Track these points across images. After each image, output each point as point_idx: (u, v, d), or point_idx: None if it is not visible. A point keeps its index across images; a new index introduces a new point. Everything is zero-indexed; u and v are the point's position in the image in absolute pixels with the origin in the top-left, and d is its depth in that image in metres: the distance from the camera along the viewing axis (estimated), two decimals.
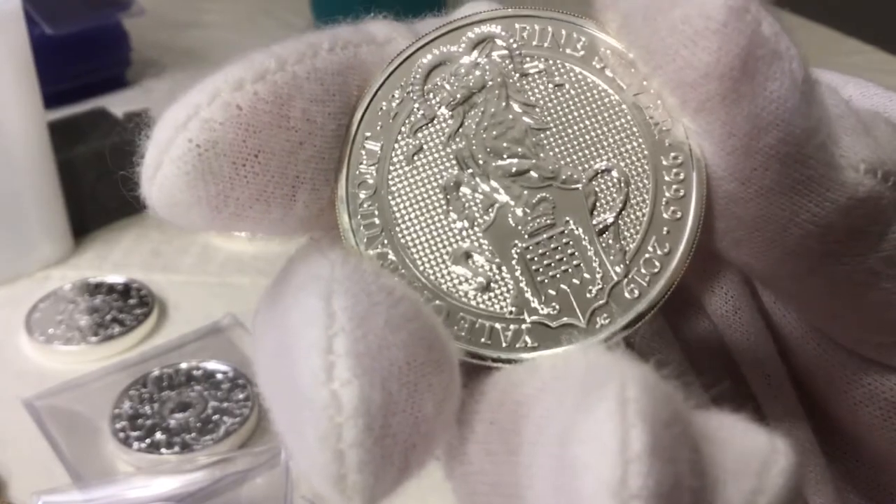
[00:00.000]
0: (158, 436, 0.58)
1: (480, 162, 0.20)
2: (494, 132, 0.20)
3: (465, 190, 0.20)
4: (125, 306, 0.69)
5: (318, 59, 0.19)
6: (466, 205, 0.20)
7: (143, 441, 0.58)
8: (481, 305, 0.20)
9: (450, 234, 0.20)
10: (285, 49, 0.19)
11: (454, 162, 0.20)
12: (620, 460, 0.15)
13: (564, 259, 0.20)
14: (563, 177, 0.20)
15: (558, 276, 0.20)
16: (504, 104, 0.20)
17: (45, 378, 0.63)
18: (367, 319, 0.17)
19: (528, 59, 0.21)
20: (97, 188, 0.77)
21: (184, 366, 0.63)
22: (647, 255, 0.20)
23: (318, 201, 0.19)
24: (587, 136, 0.20)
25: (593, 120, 0.20)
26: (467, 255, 0.20)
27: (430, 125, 0.20)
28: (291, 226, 0.20)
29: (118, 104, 0.90)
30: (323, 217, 0.20)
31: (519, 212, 0.20)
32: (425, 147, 0.20)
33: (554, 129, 0.20)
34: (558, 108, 0.21)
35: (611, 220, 0.20)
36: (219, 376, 0.62)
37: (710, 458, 0.16)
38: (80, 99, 0.92)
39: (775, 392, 0.24)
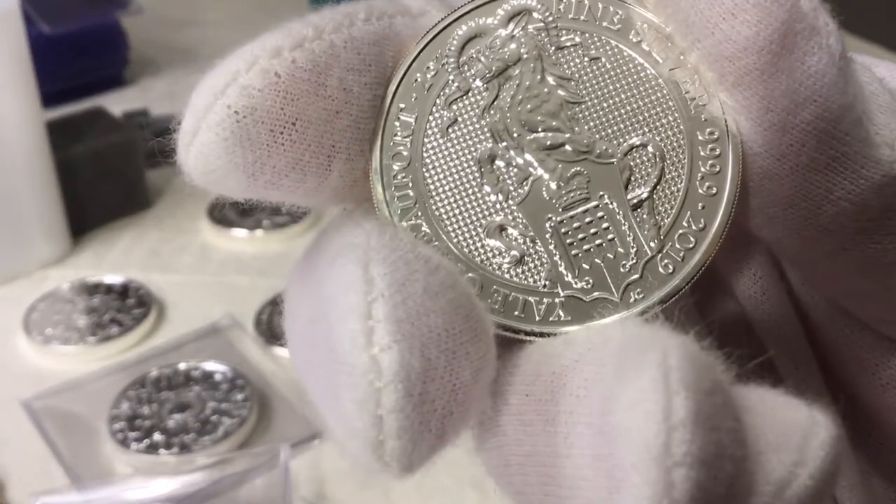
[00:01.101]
0: (157, 437, 0.58)
1: (515, 135, 0.20)
2: (529, 105, 0.20)
3: (499, 163, 0.20)
4: (123, 306, 0.69)
5: (355, 29, 0.19)
6: (501, 178, 0.20)
7: (141, 442, 0.57)
8: (515, 279, 0.19)
9: (484, 206, 0.20)
10: (322, 18, 0.19)
11: (489, 135, 0.20)
12: (664, 427, 0.15)
13: (598, 233, 0.20)
14: (598, 151, 0.20)
15: (592, 250, 0.20)
16: (539, 77, 0.20)
17: (43, 378, 0.63)
18: (405, 286, 0.17)
19: (563, 31, 0.21)
20: (95, 187, 0.77)
21: (182, 366, 0.63)
22: (681, 231, 0.20)
23: (352, 172, 0.19)
24: (623, 111, 0.20)
25: (629, 94, 0.20)
26: (501, 229, 0.20)
27: (464, 98, 0.20)
28: (325, 196, 0.20)
29: (116, 103, 0.90)
30: (356, 188, 0.20)
31: (553, 185, 0.20)
32: (460, 119, 0.20)
33: (589, 103, 0.20)
34: (594, 81, 0.20)
35: (645, 194, 0.20)
36: (217, 377, 0.62)
37: (751, 429, 0.16)
38: (77, 98, 0.92)
39: (802, 374, 0.24)
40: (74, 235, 0.76)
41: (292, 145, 0.18)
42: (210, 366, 0.63)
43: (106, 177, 0.77)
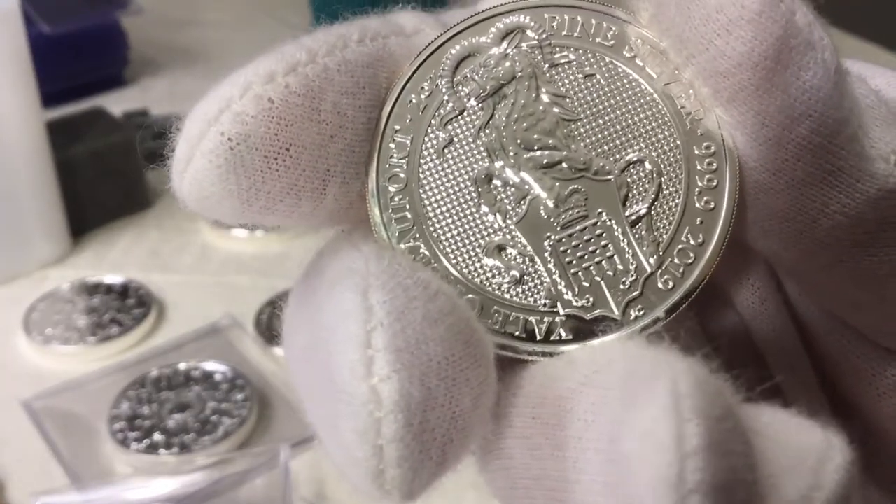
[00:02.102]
0: (157, 436, 0.58)
1: (511, 154, 0.20)
2: (525, 124, 0.20)
3: (496, 182, 0.20)
4: (123, 306, 0.69)
5: (349, 51, 0.19)
6: (498, 197, 0.20)
7: (141, 442, 0.57)
8: (515, 298, 0.19)
9: (482, 227, 0.20)
10: (315, 41, 0.19)
11: (485, 154, 0.20)
12: (677, 456, 0.15)
13: (597, 251, 0.20)
14: (595, 168, 0.20)
15: (592, 268, 0.20)
16: (534, 95, 0.20)
17: (43, 378, 0.63)
18: (405, 314, 0.17)
19: (557, 49, 0.21)
20: (95, 187, 0.77)
21: (182, 366, 0.63)
22: (680, 246, 0.20)
23: (347, 195, 0.19)
24: (619, 127, 0.20)
25: (625, 110, 0.20)
26: (500, 248, 0.20)
27: (459, 117, 0.20)
28: (321, 219, 0.20)
29: (116, 103, 0.90)
30: (352, 210, 0.20)
31: (551, 204, 0.20)
32: (455, 139, 0.20)
33: (585, 120, 0.20)
34: (589, 98, 0.20)
35: (644, 210, 0.20)
36: (217, 377, 0.62)
37: (762, 452, 0.16)
38: (77, 98, 0.92)
39: (799, 384, 0.24)
40: (74, 235, 0.76)
41: (287, 171, 0.18)
42: (210, 366, 0.63)
43: (106, 177, 0.77)
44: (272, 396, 0.62)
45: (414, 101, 0.20)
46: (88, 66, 0.97)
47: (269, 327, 0.67)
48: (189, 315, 0.69)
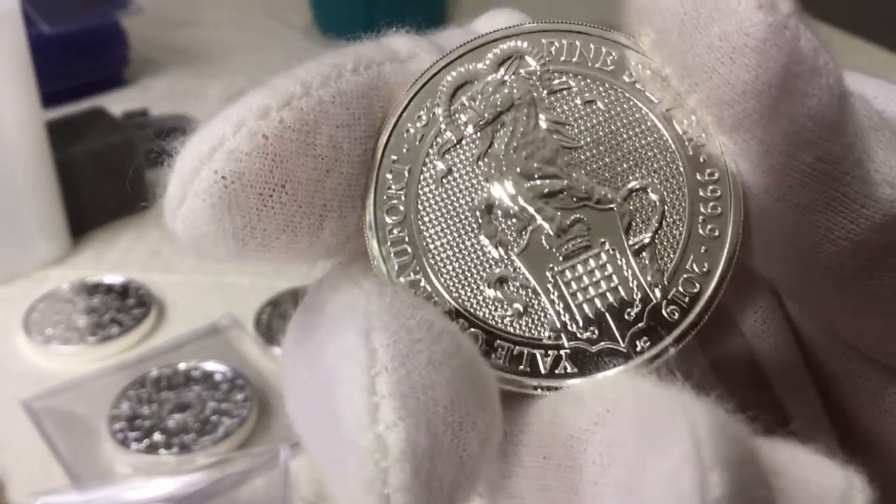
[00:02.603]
0: (157, 437, 0.58)
1: (512, 183, 0.19)
2: (525, 152, 0.20)
3: (496, 213, 0.19)
4: (123, 306, 0.69)
5: (343, 82, 0.19)
6: (499, 228, 0.19)
7: (141, 442, 0.57)
8: (519, 331, 0.19)
9: (483, 258, 0.19)
10: (309, 72, 0.19)
11: (484, 184, 0.19)
12: None
13: (601, 281, 0.19)
14: (597, 196, 0.20)
15: (596, 299, 0.19)
16: (533, 123, 0.20)
17: (43, 378, 0.63)
18: (409, 357, 0.16)
19: (556, 75, 0.20)
20: (95, 187, 0.77)
21: (182, 366, 0.63)
22: (685, 275, 0.19)
23: (344, 228, 0.19)
24: (620, 154, 0.20)
25: (626, 137, 0.20)
26: (502, 281, 0.19)
27: (458, 146, 0.20)
28: (318, 253, 0.19)
29: (116, 103, 0.90)
30: (350, 243, 0.19)
31: (553, 234, 0.19)
32: (454, 169, 0.20)
33: (586, 148, 0.20)
34: (589, 125, 0.20)
35: (647, 239, 0.19)
36: (217, 377, 0.62)
37: (783, 493, 0.16)
38: (77, 98, 0.92)
39: (800, 402, 0.24)
40: (74, 235, 0.76)
41: (283, 208, 0.18)
42: (210, 366, 0.63)
43: (106, 177, 0.77)
44: (272, 396, 0.62)
45: (411, 130, 0.20)
46: (88, 66, 0.97)
47: (269, 327, 0.67)
48: (189, 315, 0.69)
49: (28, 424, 0.59)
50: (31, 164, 0.71)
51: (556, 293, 0.19)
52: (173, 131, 0.18)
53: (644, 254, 0.19)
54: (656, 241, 0.19)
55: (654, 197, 0.20)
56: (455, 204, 0.20)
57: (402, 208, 0.19)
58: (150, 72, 1.03)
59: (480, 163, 0.20)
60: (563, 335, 0.19)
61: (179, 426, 0.58)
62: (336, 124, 0.18)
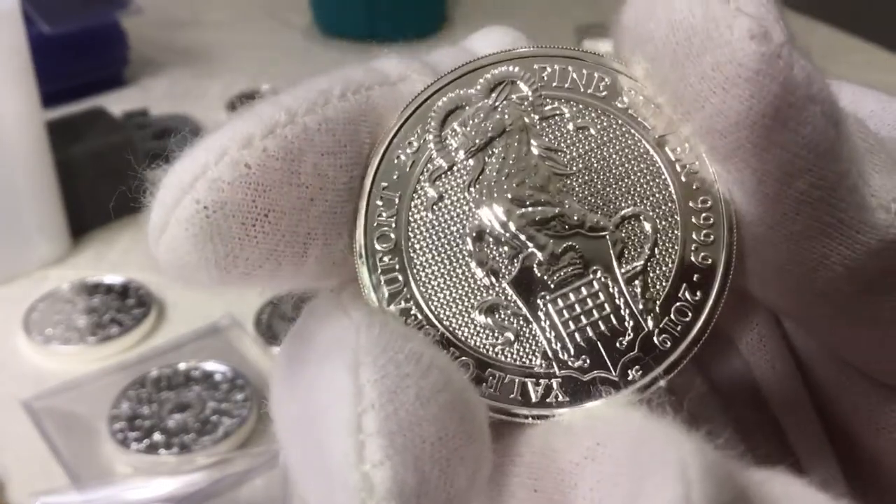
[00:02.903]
0: (157, 437, 0.58)
1: (503, 210, 0.19)
2: (516, 179, 0.19)
3: (488, 240, 0.19)
4: (123, 306, 0.69)
5: (330, 108, 0.18)
6: (490, 256, 0.19)
7: (141, 442, 0.57)
8: (510, 360, 0.19)
9: (474, 286, 0.19)
10: (295, 99, 0.18)
11: (476, 211, 0.19)
12: None
13: (593, 309, 0.19)
14: (590, 224, 0.19)
15: (587, 327, 0.19)
16: (525, 149, 0.20)
17: (43, 379, 0.63)
18: (397, 394, 0.16)
19: (548, 101, 0.20)
20: (95, 187, 0.77)
21: (182, 366, 0.63)
22: (678, 303, 0.19)
23: (330, 255, 0.19)
24: (612, 181, 0.20)
25: (618, 163, 0.20)
26: (493, 308, 0.19)
27: (448, 173, 0.20)
28: (302, 280, 0.19)
29: (116, 103, 0.90)
30: (335, 269, 0.19)
31: (545, 261, 0.19)
32: (445, 196, 0.19)
33: (578, 174, 0.20)
34: (582, 151, 0.20)
35: (640, 267, 0.19)
36: (217, 377, 0.62)
37: None
38: (77, 98, 0.92)
39: (799, 421, 0.24)
40: (74, 235, 0.76)
41: (265, 237, 0.18)
42: (210, 366, 0.63)
43: (106, 177, 0.77)
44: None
45: (401, 156, 0.19)
46: (88, 66, 0.97)
47: (269, 327, 0.67)
48: (189, 315, 0.69)
49: (28, 424, 0.59)
50: (31, 164, 0.71)
51: (547, 321, 0.19)
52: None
53: (636, 282, 0.19)
54: (648, 269, 0.19)
55: (646, 224, 0.19)
56: (446, 231, 0.19)
57: (392, 236, 0.19)
58: (150, 72, 1.03)
59: (472, 189, 0.19)
60: (554, 364, 0.19)
61: (179, 426, 0.58)
62: (321, 152, 0.18)
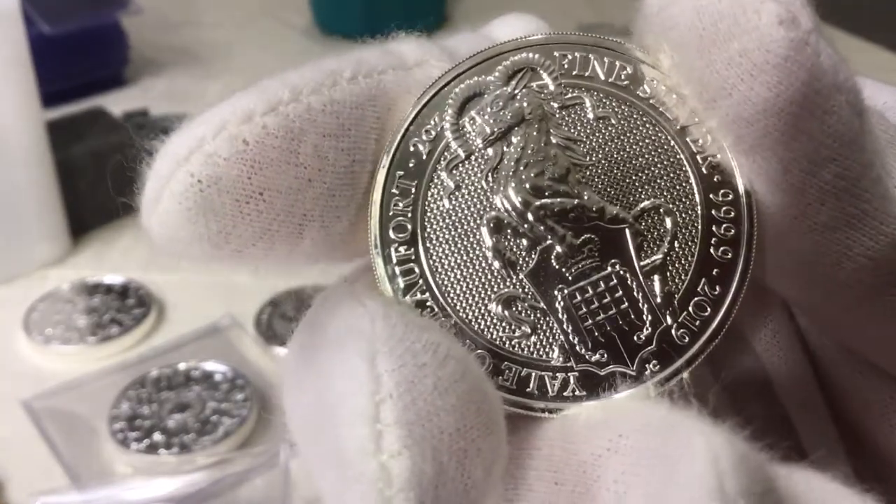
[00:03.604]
0: (157, 437, 0.58)
1: (521, 201, 0.19)
2: (535, 170, 0.19)
3: (505, 231, 0.19)
4: (123, 306, 0.69)
5: (337, 90, 0.18)
6: (508, 247, 0.19)
7: (141, 442, 0.57)
8: (526, 353, 0.19)
9: (491, 278, 0.19)
10: (302, 77, 0.18)
11: (493, 201, 0.19)
12: None
13: (611, 303, 0.19)
14: (609, 216, 0.19)
15: (605, 321, 0.19)
16: (544, 140, 0.19)
17: (43, 378, 0.63)
18: (415, 384, 0.16)
19: (568, 89, 0.20)
20: (95, 188, 0.77)
21: (182, 366, 0.63)
22: (696, 298, 0.19)
23: (328, 238, 0.19)
24: (633, 172, 0.19)
25: (639, 155, 0.19)
26: (510, 301, 0.19)
27: (466, 162, 0.19)
28: (299, 261, 0.19)
29: (116, 103, 0.90)
30: (337, 251, 0.19)
31: (563, 254, 0.19)
32: (462, 186, 0.19)
33: (597, 165, 0.19)
34: (602, 142, 0.19)
35: (659, 260, 0.19)
36: (217, 377, 0.62)
37: None
38: (78, 98, 0.92)
39: (810, 416, 0.23)
40: (74, 235, 0.76)
41: (259, 216, 0.17)
42: (210, 366, 0.63)
43: (106, 177, 0.77)
44: (272, 396, 0.62)
45: (418, 145, 0.19)
46: (88, 66, 0.97)
47: (269, 327, 0.67)
48: (189, 315, 0.69)
49: (28, 424, 0.59)
50: (31, 164, 0.71)
51: (565, 314, 0.19)
52: (145, 165, 0.18)
53: (655, 276, 0.19)
54: (668, 262, 0.19)
55: (666, 217, 0.19)
56: (463, 221, 0.19)
57: (408, 226, 0.19)
58: (150, 72, 1.03)
59: (489, 179, 0.19)
60: (571, 357, 0.19)
61: (179, 426, 0.58)
62: (323, 133, 0.18)
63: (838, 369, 0.23)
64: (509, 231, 0.19)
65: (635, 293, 0.19)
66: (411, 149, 0.19)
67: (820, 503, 0.16)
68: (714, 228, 0.19)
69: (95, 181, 0.77)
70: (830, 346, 0.23)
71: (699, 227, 0.19)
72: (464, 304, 0.19)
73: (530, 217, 0.19)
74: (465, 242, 0.19)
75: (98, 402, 0.60)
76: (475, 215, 0.19)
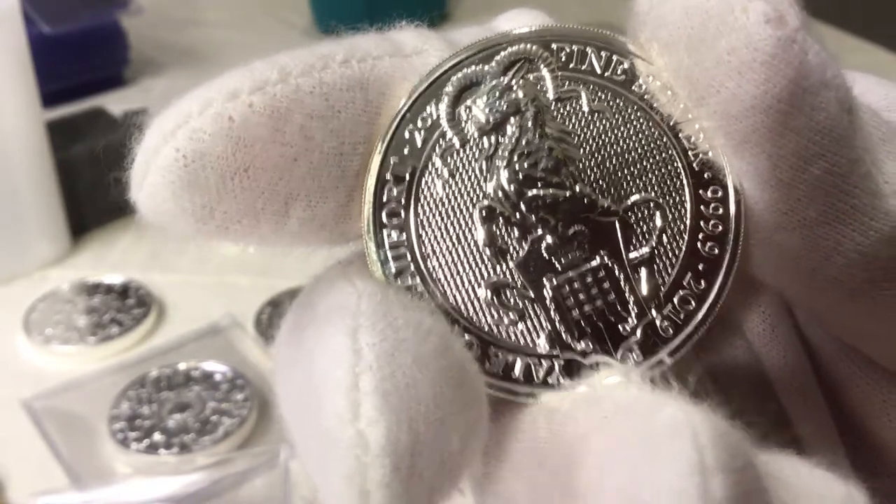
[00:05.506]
0: (157, 437, 0.58)
1: (513, 191, 0.19)
2: (528, 161, 0.19)
3: (497, 220, 0.19)
4: (123, 306, 0.69)
5: (328, 73, 0.18)
6: (499, 235, 0.19)
7: (141, 442, 0.57)
8: (513, 340, 0.19)
9: (482, 266, 0.19)
10: (292, 59, 0.18)
11: (486, 190, 0.19)
12: None
13: (598, 294, 0.19)
14: (599, 208, 0.19)
15: (592, 311, 0.19)
16: (538, 131, 0.20)
17: (43, 378, 0.63)
18: (394, 357, 0.16)
19: (565, 82, 0.20)
20: (95, 188, 0.77)
21: (182, 366, 0.63)
22: (682, 292, 0.19)
23: (314, 218, 0.19)
24: (625, 166, 0.20)
25: (632, 149, 0.20)
26: (500, 289, 0.19)
27: (460, 151, 0.19)
28: (285, 240, 0.19)
29: (116, 103, 0.90)
30: (325, 232, 0.19)
31: (553, 244, 0.19)
32: (456, 174, 0.19)
33: (590, 158, 0.20)
34: (595, 135, 0.20)
35: (646, 253, 0.19)
36: (217, 377, 0.62)
37: (781, 502, 0.16)
38: (78, 98, 0.92)
39: (809, 411, 0.24)
40: (74, 235, 0.76)
41: (243, 192, 0.18)
42: (210, 366, 0.63)
43: (106, 177, 0.77)
44: (272, 396, 0.61)
45: (413, 132, 0.19)
46: (88, 66, 0.97)
47: (269, 327, 0.67)
48: (189, 315, 0.69)
49: (28, 424, 0.59)
50: (31, 164, 0.71)
51: (552, 303, 0.19)
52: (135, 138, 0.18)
53: (643, 268, 0.19)
54: (655, 256, 0.19)
55: (656, 211, 0.20)
56: (455, 209, 0.19)
57: (401, 212, 0.19)
58: (150, 72, 1.03)
59: (483, 168, 0.19)
60: (558, 345, 0.19)
61: (179, 426, 0.58)
62: (310, 114, 0.18)
63: (837, 363, 0.23)
64: (501, 220, 0.19)
65: (622, 285, 0.19)
66: (406, 136, 0.19)
67: (802, 487, 0.16)
68: (702, 224, 0.19)
69: (95, 181, 0.77)
70: (829, 340, 0.23)
71: (687, 222, 0.20)
72: (453, 290, 0.19)
73: (522, 207, 0.19)
74: (458, 230, 0.19)
75: (98, 402, 0.60)
76: (468, 203, 0.19)
